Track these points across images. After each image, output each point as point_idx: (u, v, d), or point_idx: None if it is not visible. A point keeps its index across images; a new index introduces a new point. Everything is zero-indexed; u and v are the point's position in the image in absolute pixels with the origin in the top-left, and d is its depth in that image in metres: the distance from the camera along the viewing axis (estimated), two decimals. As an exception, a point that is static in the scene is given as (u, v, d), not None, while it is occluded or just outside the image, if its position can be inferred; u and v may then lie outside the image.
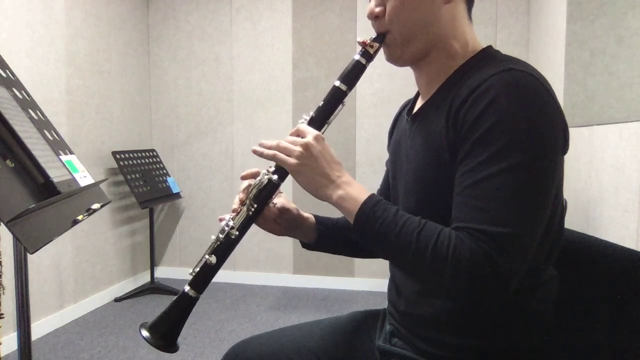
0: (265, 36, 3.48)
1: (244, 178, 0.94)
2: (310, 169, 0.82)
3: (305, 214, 1.04)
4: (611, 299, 0.83)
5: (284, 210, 0.99)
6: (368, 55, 0.88)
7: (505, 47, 3.15)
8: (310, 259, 3.46)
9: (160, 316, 0.88)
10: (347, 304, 3.12)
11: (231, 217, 0.90)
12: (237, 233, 0.88)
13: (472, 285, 0.68)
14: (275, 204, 0.97)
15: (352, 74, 0.88)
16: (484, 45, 0.87)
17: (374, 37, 0.88)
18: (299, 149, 0.82)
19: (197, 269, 0.88)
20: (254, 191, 0.88)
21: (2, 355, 2.25)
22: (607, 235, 1.67)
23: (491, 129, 0.71)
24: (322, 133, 0.87)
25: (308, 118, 0.88)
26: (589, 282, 0.87)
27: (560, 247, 0.85)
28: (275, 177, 0.87)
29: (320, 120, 0.88)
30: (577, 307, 0.88)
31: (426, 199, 0.84)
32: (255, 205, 0.88)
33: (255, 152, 0.85)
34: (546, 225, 0.74)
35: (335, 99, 0.88)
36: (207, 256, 0.88)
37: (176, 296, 0.89)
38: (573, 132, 2.05)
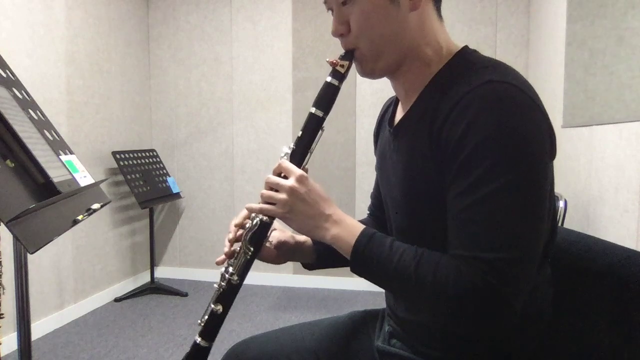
0: (265, 36, 3.48)
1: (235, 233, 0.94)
2: (299, 213, 0.80)
3: (302, 238, 1.02)
4: (611, 299, 0.82)
5: (280, 245, 0.99)
6: (339, 75, 0.84)
7: (505, 47, 3.15)
8: (310, 259, 3.45)
9: None
10: (347, 304, 3.12)
11: (230, 262, 0.89)
12: (237, 278, 0.87)
13: (477, 314, 0.68)
14: (271, 241, 0.97)
15: (326, 98, 0.85)
16: (459, 45, 0.84)
17: (342, 55, 0.85)
18: (283, 196, 0.80)
19: (206, 318, 0.88)
20: (248, 234, 0.87)
21: (2, 355, 2.25)
22: (607, 235, 1.67)
23: (476, 150, 0.68)
24: (306, 163, 0.85)
25: (289, 151, 0.85)
26: (589, 282, 0.87)
27: (555, 246, 0.84)
28: (265, 217, 0.85)
29: (301, 151, 0.85)
30: (577, 307, 0.88)
31: (417, 217, 0.83)
32: (252, 248, 0.87)
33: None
34: None
35: (313, 127, 0.85)
36: (212, 305, 0.87)
37: (189, 348, 0.88)
38: (573, 132, 2.05)
